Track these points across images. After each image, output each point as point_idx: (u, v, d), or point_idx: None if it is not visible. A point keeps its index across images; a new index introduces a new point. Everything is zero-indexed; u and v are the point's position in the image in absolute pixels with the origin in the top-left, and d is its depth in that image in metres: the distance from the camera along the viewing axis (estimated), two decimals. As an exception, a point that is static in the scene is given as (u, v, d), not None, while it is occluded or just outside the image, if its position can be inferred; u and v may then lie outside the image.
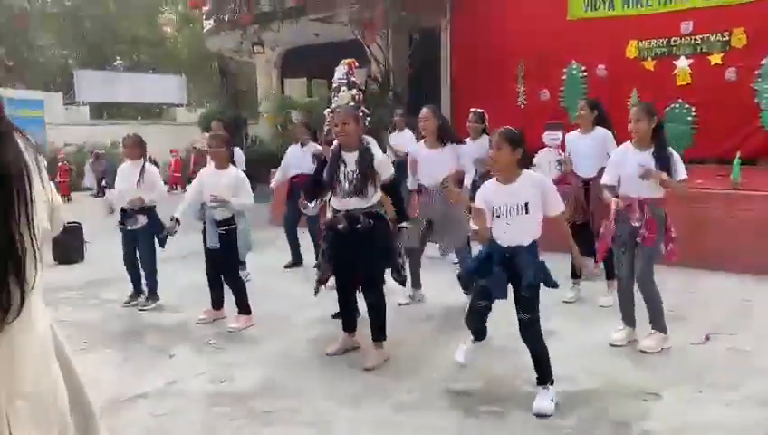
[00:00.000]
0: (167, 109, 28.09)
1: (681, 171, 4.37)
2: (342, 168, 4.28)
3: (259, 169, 11.93)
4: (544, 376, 3.64)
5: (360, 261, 4.34)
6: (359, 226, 4.26)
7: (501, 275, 3.60)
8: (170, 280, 6.34)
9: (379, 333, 4.40)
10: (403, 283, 4.66)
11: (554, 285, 3.65)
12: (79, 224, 8.51)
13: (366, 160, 4.24)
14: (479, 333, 3.88)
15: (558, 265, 5.88)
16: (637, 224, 4.39)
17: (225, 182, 5.17)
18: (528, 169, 3.72)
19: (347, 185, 4.25)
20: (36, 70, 28.93)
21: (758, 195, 6.70)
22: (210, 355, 4.68)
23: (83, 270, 7.80)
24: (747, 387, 3.78)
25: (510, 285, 3.63)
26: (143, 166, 5.79)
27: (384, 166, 4.34)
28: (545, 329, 4.73)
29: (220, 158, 5.25)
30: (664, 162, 4.30)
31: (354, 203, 4.27)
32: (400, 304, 5.70)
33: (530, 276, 3.51)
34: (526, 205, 3.55)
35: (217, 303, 5.48)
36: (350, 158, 4.28)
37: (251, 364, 4.45)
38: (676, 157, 4.36)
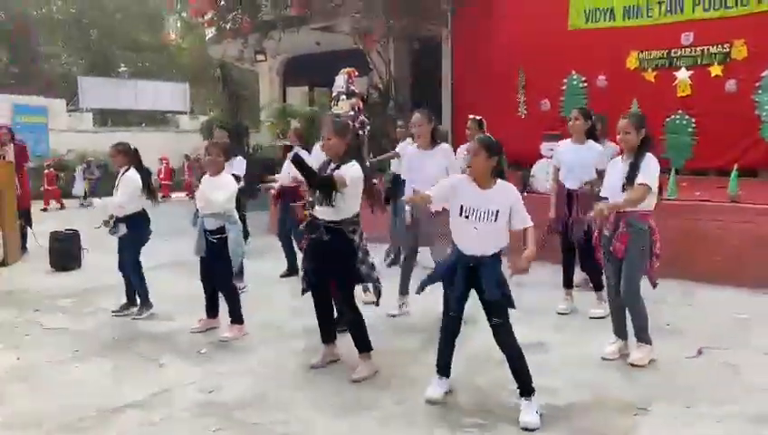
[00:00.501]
0: (171, 116, 28.20)
1: (644, 176, 4.23)
2: None
3: (259, 177, 11.96)
4: (525, 385, 3.62)
5: (323, 273, 4.34)
6: (313, 235, 4.28)
7: (460, 289, 3.68)
8: (165, 288, 6.33)
9: (360, 345, 4.38)
10: (377, 303, 4.59)
11: (511, 305, 3.66)
12: (76, 231, 8.52)
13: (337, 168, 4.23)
14: (444, 367, 3.95)
15: (550, 276, 5.90)
16: (607, 234, 4.41)
17: (215, 188, 5.18)
18: (502, 178, 3.74)
19: (316, 193, 4.25)
20: (40, 76, 29.08)
21: (756, 207, 6.66)
22: (200, 364, 4.65)
23: (80, 278, 7.79)
24: (739, 403, 3.74)
25: (477, 294, 3.71)
26: (123, 173, 5.78)
27: (345, 168, 4.18)
28: (536, 341, 4.75)
29: (216, 166, 5.25)
30: (634, 169, 4.27)
31: (322, 212, 4.25)
32: (393, 316, 5.67)
33: (493, 290, 3.56)
34: (497, 213, 3.59)
35: (211, 311, 5.46)
36: (332, 169, 4.29)
37: (240, 374, 4.43)
38: (648, 161, 4.27)
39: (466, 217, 3.64)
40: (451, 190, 3.76)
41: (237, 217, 5.29)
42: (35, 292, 7.05)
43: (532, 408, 3.56)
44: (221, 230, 5.14)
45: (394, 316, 5.65)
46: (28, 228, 9.33)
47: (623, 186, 4.30)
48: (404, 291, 5.81)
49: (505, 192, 3.67)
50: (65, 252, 8.31)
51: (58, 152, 20.28)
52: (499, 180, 3.69)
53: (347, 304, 4.36)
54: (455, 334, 3.91)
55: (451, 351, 3.95)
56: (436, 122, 5.69)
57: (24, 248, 9.23)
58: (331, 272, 4.30)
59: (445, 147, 5.54)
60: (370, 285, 4.54)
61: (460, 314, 3.84)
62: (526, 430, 3.46)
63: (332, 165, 4.30)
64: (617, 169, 4.44)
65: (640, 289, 4.40)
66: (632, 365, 4.36)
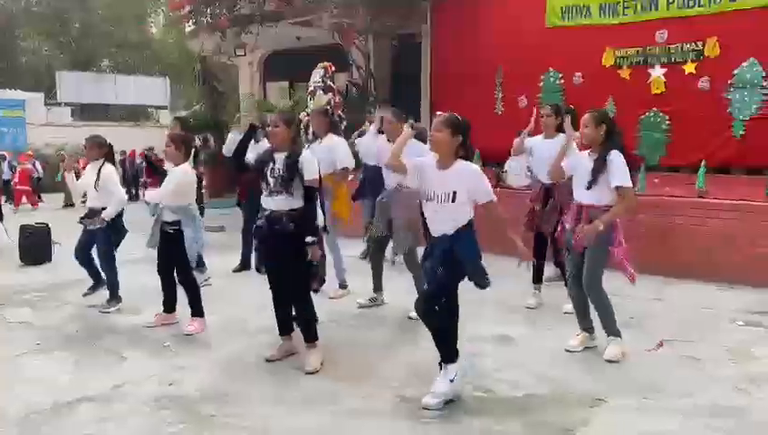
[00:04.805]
0: (154, 111, 28.03)
1: (618, 178, 4.24)
2: (271, 165, 4.31)
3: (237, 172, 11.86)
4: (445, 354, 3.69)
5: (283, 266, 4.32)
6: (277, 226, 4.26)
7: (434, 262, 3.68)
8: (132, 282, 6.24)
9: (307, 334, 4.41)
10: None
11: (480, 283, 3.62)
12: (46, 225, 8.42)
13: (292, 158, 4.26)
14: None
15: (521, 270, 5.88)
16: (568, 227, 4.43)
17: (170, 179, 5.15)
18: (468, 160, 3.71)
19: (272, 181, 4.26)
20: (20, 71, 28.74)
21: (724, 203, 6.71)
22: (163, 358, 4.61)
23: (49, 272, 7.71)
24: (695, 395, 3.76)
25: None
26: (100, 167, 5.73)
27: (308, 166, 4.27)
28: (503, 335, 4.77)
29: (171, 156, 5.24)
30: (598, 167, 4.28)
31: (280, 202, 4.25)
32: (361, 306, 5.70)
33: (469, 254, 3.57)
34: (454, 193, 3.57)
35: (168, 305, 5.41)
36: (280, 157, 4.31)
37: (202, 368, 4.39)
38: (616, 162, 4.27)
39: (429, 199, 3.66)
40: (417, 171, 3.73)
41: (196, 209, 5.28)
42: (2, 286, 6.95)
43: (447, 375, 3.65)
44: (179, 222, 5.10)
45: (361, 307, 5.70)
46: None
47: (589, 183, 4.30)
48: (378, 287, 5.84)
49: (463, 173, 3.60)
50: (35, 246, 8.21)
51: (35, 147, 20.03)
52: (460, 161, 3.63)
53: (303, 292, 4.37)
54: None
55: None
56: (407, 120, 5.64)
57: (-6, 243, 9.11)
58: (287, 262, 4.28)
59: (414, 144, 5.49)
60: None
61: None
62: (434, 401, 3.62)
63: (278, 154, 4.30)
64: (582, 165, 4.44)
65: (602, 282, 4.41)
66: (609, 361, 4.33)
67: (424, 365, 4.29)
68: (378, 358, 4.53)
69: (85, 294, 6.08)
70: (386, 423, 3.52)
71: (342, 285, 6.21)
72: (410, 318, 5.56)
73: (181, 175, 5.11)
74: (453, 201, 3.59)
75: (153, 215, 5.26)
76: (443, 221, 3.63)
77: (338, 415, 3.63)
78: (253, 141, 7.02)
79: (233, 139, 6.94)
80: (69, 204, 15.50)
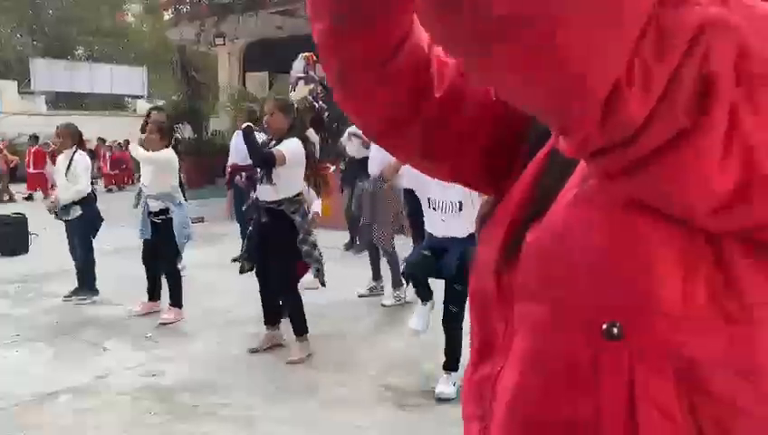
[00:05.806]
0: (131, 100, 27.65)
1: None
2: None
3: (216, 163, 11.75)
4: (451, 363, 3.70)
5: (266, 257, 4.32)
6: (253, 216, 4.27)
7: (427, 256, 3.68)
8: (110, 273, 6.18)
9: (296, 328, 4.38)
10: (322, 283, 4.60)
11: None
12: (23, 215, 8.31)
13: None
14: (424, 292, 3.80)
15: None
16: None
17: (156, 164, 5.11)
18: None
19: (258, 171, 4.24)
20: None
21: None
22: (144, 349, 4.59)
23: (27, 263, 7.61)
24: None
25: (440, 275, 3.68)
26: (72, 157, 5.66)
27: (286, 145, 4.16)
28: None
29: (152, 142, 5.19)
30: None
31: (264, 192, 4.22)
32: (360, 296, 5.73)
33: (451, 264, 3.52)
34: (459, 204, 3.56)
35: (153, 294, 5.38)
36: (273, 146, 4.27)
37: (184, 359, 4.38)
38: None
39: (434, 208, 3.67)
40: (419, 178, 3.68)
41: (182, 197, 5.23)
42: (-22, 277, 6.85)
43: (450, 380, 3.66)
44: (165, 211, 5.07)
45: (384, 306, 5.58)
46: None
47: None
48: (377, 276, 5.85)
49: None
50: (11, 236, 8.09)
51: (8, 136, 19.70)
52: None
53: (286, 287, 4.35)
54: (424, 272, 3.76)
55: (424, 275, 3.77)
56: None
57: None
58: (272, 253, 4.27)
59: None
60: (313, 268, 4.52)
61: (433, 254, 3.69)
62: (440, 399, 3.59)
63: (273, 142, 4.27)
64: None
65: None
66: None
67: (405, 354, 4.35)
68: (360, 348, 4.55)
69: (66, 298, 5.88)
70: (368, 412, 3.54)
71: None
72: (384, 305, 5.61)
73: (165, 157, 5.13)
74: (460, 211, 3.57)
75: (136, 207, 5.22)
76: (450, 227, 3.61)
77: (322, 405, 3.64)
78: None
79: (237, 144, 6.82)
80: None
